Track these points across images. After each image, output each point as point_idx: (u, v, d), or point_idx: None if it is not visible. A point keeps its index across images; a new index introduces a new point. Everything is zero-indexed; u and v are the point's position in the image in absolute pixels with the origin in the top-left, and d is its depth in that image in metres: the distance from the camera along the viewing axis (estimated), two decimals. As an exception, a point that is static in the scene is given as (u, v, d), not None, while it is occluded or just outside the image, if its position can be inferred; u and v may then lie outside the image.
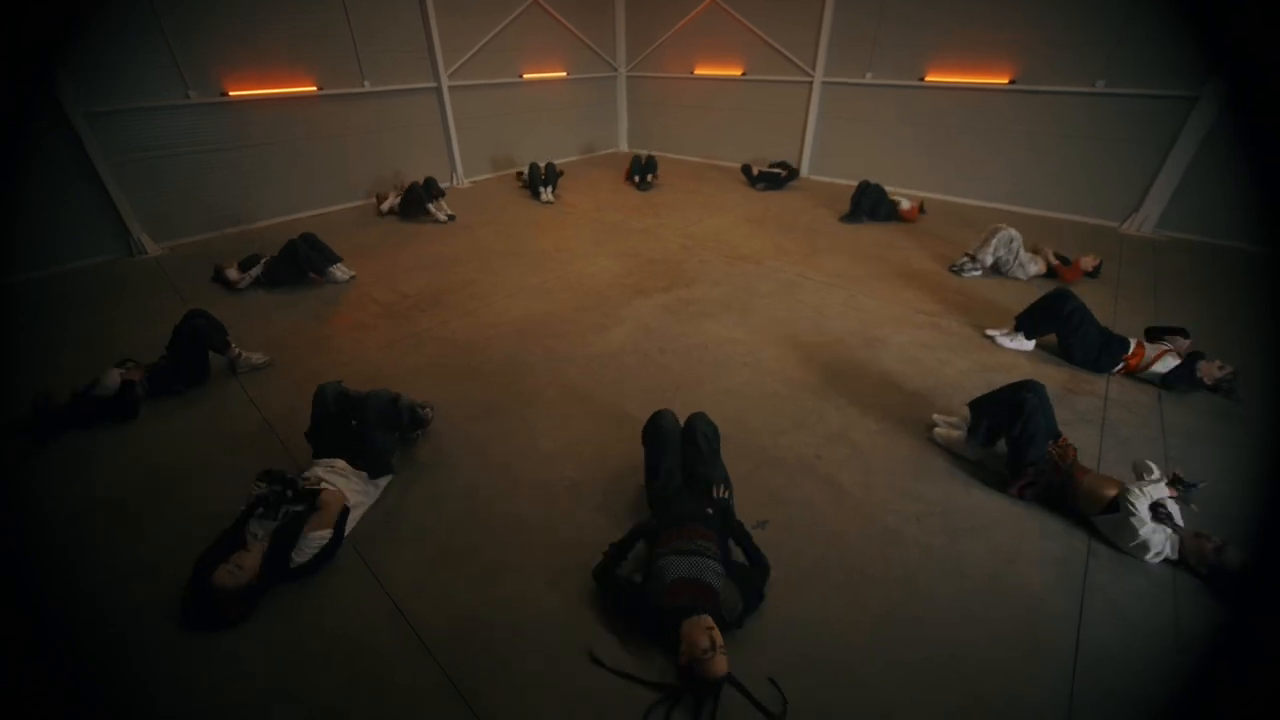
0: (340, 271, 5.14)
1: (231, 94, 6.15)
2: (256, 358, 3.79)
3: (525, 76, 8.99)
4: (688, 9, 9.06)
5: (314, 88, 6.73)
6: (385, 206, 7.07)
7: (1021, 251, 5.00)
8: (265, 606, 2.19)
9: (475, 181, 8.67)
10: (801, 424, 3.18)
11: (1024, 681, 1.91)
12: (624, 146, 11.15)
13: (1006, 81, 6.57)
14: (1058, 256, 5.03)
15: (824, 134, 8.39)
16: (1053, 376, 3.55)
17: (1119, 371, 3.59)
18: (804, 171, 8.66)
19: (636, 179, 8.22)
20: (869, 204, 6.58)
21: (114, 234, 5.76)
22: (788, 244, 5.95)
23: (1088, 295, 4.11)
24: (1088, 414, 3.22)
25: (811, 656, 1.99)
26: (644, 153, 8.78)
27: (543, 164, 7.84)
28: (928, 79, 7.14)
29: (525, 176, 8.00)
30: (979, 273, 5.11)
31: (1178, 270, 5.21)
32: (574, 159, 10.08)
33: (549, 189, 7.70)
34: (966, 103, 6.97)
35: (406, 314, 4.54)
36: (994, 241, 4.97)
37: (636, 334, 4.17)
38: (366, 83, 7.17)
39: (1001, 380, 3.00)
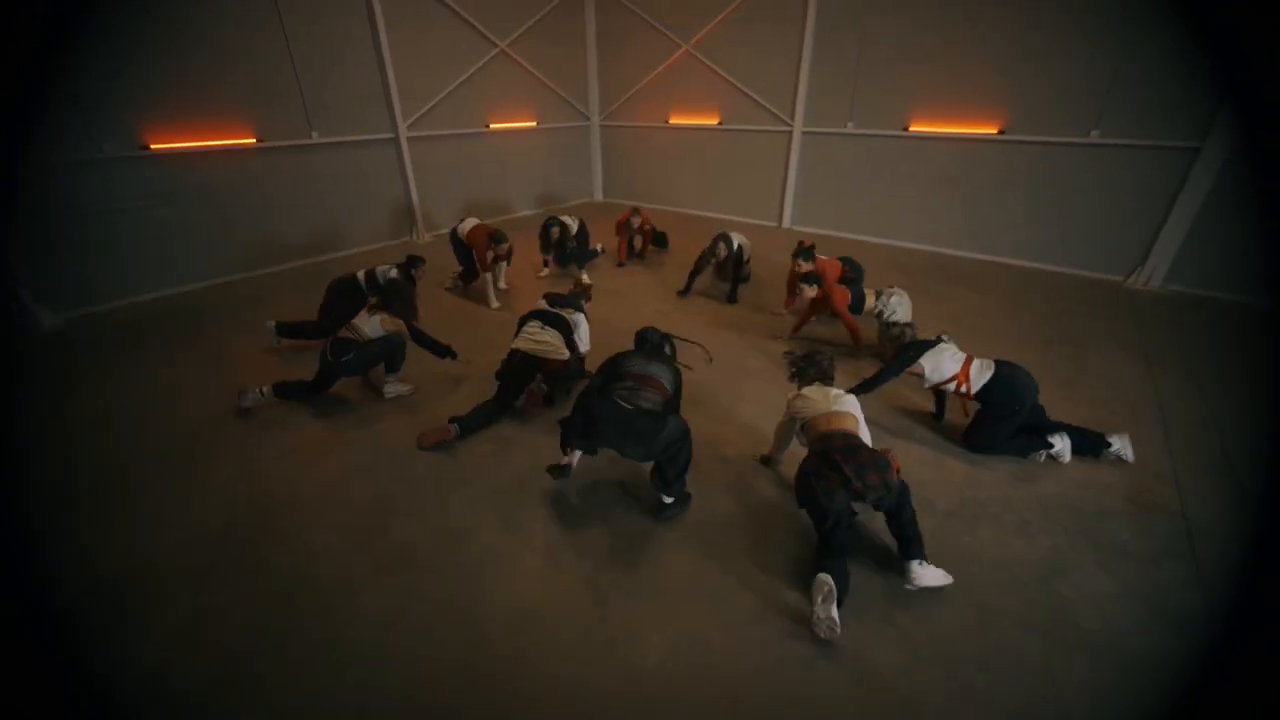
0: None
1: (153, 147, 5.48)
2: None
3: (492, 126, 8.56)
4: (661, 58, 8.82)
5: (252, 140, 6.11)
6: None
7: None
8: None
9: (436, 235, 8.04)
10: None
11: None
12: (599, 196, 10.74)
13: (995, 131, 6.29)
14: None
15: (806, 185, 8.06)
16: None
17: None
18: (786, 222, 8.30)
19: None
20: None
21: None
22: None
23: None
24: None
25: None
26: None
27: (557, 227, 5.96)
28: (912, 129, 6.86)
29: (547, 244, 6.16)
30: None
31: (1183, 326, 4.81)
32: (541, 211, 9.52)
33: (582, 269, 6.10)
34: (955, 153, 6.67)
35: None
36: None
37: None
38: (314, 134, 6.60)
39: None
